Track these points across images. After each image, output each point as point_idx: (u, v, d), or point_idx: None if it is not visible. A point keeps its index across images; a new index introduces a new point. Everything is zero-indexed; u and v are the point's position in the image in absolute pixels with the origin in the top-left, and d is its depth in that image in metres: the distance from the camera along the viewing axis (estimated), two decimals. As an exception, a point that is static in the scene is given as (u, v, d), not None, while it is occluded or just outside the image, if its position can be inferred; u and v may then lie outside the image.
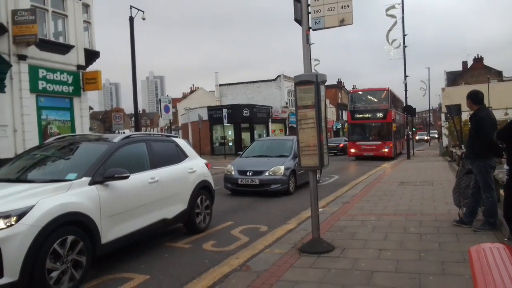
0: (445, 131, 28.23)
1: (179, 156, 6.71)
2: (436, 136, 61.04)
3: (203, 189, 6.95)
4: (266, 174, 10.76)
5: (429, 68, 48.68)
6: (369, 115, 26.19)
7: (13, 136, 13.92)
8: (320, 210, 6.14)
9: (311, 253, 5.00)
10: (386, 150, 25.06)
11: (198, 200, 6.76)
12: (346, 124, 31.04)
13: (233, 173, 11.20)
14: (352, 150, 26.19)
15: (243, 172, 11.02)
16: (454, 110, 8.12)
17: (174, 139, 7.10)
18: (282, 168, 10.81)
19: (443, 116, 34.04)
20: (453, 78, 56.16)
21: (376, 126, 26.21)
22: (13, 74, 13.80)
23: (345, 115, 53.29)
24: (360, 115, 26.61)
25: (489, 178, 5.74)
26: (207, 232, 6.76)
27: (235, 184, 11.03)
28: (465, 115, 9.27)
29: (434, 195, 9.42)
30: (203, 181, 6.94)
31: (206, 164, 7.42)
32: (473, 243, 4.60)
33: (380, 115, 25.78)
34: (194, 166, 6.86)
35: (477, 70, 53.81)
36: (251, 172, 10.91)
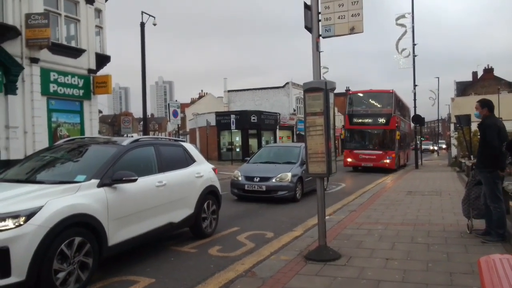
0: (454, 141, 27.96)
1: (187, 160, 6.69)
2: (444, 146, 60.34)
3: (210, 194, 6.92)
4: (273, 180, 10.75)
5: (438, 77, 48.41)
6: (370, 120, 22.98)
7: (24, 138, 14.08)
8: (327, 217, 6.11)
9: (317, 260, 4.97)
10: (388, 161, 21.91)
11: (205, 205, 6.74)
12: (343, 130, 26.92)
13: (240, 178, 11.21)
14: (349, 160, 22.94)
15: (250, 178, 11.02)
16: (463, 121, 8.11)
17: (182, 143, 7.11)
18: (289, 174, 10.80)
19: (452, 126, 33.75)
20: (463, 89, 55.82)
21: (377, 133, 23.27)
22: (25, 76, 13.99)
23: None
24: (359, 120, 23.31)
25: (496, 189, 5.68)
26: (213, 237, 6.76)
27: (242, 190, 11.03)
28: (475, 126, 9.21)
29: (442, 205, 9.33)
30: (210, 186, 6.92)
31: (214, 169, 7.39)
32: (481, 254, 4.54)
33: (382, 120, 22.60)
34: (202, 171, 6.84)
35: (487, 81, 53.46)
36: (258, 178, 10.90)
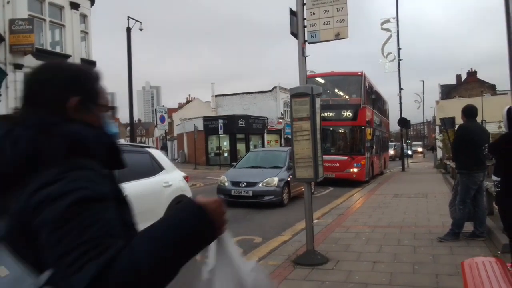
0: (439, 143, 28.37)
1: (154, 168, 6.20)
2: (420, 149, 59.81)
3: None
4: (260, 185, 10.70)
5: (423, 81, 49.29)
6: (331, 114, 16.41)
7: (7, 145, 13.87)
8: (314, 221, 6.15)
9: (306, 265, 5.00)
10: (355, 169, 16.03)
11: None
12: (291, 127, 19.41)
13: (226, 184, 11.13)
14: None
15: (236, 183, 10.95)
16: (448, 123, 8.20)
17: (149, 149, 6.63)
18: (275, 179, 10.75)
19: (437, 128, 34.28)
20: (447, 91, 56.69)
21: (341, 132, 17.22)
22: (8, 83, 13.81)
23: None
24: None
25: (468, 194, 5.88)
26: (201, 243, 6.73)
27: (228, 196, 10.89)
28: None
29: (428, 207, 9.45)
30: (180, 196, 6.42)
31: (185, 178, 7.01)
32: (467, 256, 4.63)
33: (347, 114, 16.61)
34: (171, 180, 6.38)
35: (471, 84, 54.36)
36: (245, 183, 10.83)
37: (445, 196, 10.27)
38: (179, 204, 1.06)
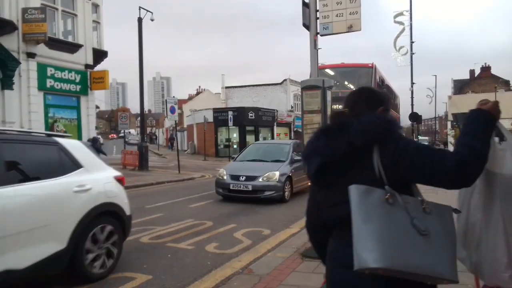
0: (451, 139, 28.04)
1: (64, 166, 4.46)
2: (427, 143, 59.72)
3: (105, 216, 4.68)
4: (260, 179, 10.18)
5: (436, 75, 48.47)
6: (340, 107, 12.17)
7: (20, 133, 14.02)
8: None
9: (314, 258, 4.98)
10: None
11: (93, 234, 4.45)
12: (302, 120, 19.41)
13: (225, 177, 10.56)
14: None
15: (235, 177, 10.40)
16: (460, 119, 8.13)
17: (60, 140, 4.68)
18: (277, 174, 10.25)
19: (449, 124, 33.92)
20: (460, 87, 55.99)
21: None
22: (21, 71, 13.94)
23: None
24: None
25: None
26: (210, 234, 6.77)
27: (227, 190, 10.41)
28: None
29: (438, 202, 9.36)
30: (105, 204, 4.67)
31: (119, 179, 5.13)
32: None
33: None
34: (89, 182, 4.53)
35: (484, 79, 53.62)
36: (244, 177, 10.29)
37: (456, 192, 10.15)
38: (471, 112, 1.63)
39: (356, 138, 1.57)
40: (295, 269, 4.65)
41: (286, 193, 10.46)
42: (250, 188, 10.15)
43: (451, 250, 1.49)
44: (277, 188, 10.13)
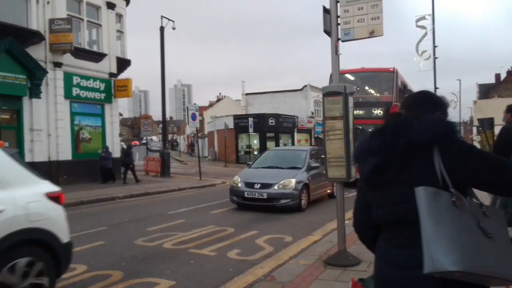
0: (477, 144, 27.37)
1: None
2: None
3: (27, 247, 3.64)
4: (275, 187, 9.76)
5: (460, 80, 47.52)
6: (360, 112, 15.39)
7: (47, 140, 14.44)
8: (346, 222, 6.08)
9: (337, 265, 4.95)
10: None
11: (10, 267, 3.40)
12: (323, 126, 15.58)
13: (239, 185, 10.15)
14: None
15: (250, 185, 9.98)
16: (486, 124, 7.93)
17: None
18: (293, 181, 9.82)
19: (474, 129, 33.12)
20: (486, 91, 54.62)
21: (370, 131, 14.76)
22: (48, 80, 14.38)
23: (372, 126, 52.00)
24: None
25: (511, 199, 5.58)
26: (232, 240, 6.78)
27: (242, 198, 10.02)
28: (498, 129, 9.02)
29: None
30: (26, 231, 3.59)
31: (53, 196, 4.00)
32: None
33: (377, 112, 15.98)
34: (4, 201, 3.47)
35: (510, 83, 52.15)
36: (259, 185, 9.88)
37: (483, 199, 9.89)
38: None
39: (417, 137, 1.58)
40: (318, 277, 4.61)
41: (303, 201, 10.02)
42: (265, 196, 9.75)
43: (510, 252, 1.51)
44: (293, 196, 9.71)
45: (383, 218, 1.66)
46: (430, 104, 1.78)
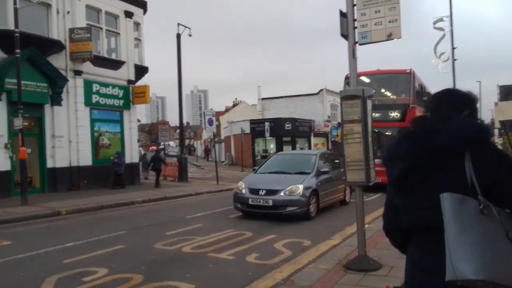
0: (499, 147, 26.71)
1: None
2: None
3: None
4: (281, 194, 9.09)
5: (480, 82, 46.66)
6: (377, 115, 14.28)
7: (68, 147, 14.74)
8: (365, 226, 6.02)
9: (357, 270, 4.90)
10: None
11: None
12: (339, 129, 19.47)
13: (243, 191, 9.51)
14: None
15: (254, 191, 9.34)
16: (508, 126, 7.76)
17: None
18: (300, 187, 9.13)
19: (496, 131, 32.42)
20: (507, 92, 53.35)
21: (388, 134, 15.71)
22: (69, 88, 14.70)
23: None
24: None
25: None
26: (250, 244, 6.79)
27: (246, 205, 9.38)
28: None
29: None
30: None
31: None
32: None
33: (394, 114, 15.63)
34: None
35: (532, 84, 50.91)
36: (264, 191, 9.21)
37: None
38: None
39: (444, 143, 1.54)
40: (338, 281, 4.57)
41: (312, 209, 9.34)
42: (270, 203, 9.07)
43: None
44: (300, 203, 9.01)
45: (410, 223, 1.65)
46: (456, 103, 1.72)
